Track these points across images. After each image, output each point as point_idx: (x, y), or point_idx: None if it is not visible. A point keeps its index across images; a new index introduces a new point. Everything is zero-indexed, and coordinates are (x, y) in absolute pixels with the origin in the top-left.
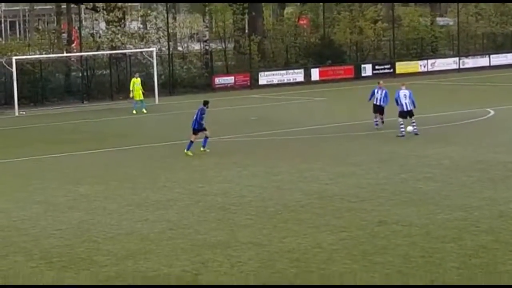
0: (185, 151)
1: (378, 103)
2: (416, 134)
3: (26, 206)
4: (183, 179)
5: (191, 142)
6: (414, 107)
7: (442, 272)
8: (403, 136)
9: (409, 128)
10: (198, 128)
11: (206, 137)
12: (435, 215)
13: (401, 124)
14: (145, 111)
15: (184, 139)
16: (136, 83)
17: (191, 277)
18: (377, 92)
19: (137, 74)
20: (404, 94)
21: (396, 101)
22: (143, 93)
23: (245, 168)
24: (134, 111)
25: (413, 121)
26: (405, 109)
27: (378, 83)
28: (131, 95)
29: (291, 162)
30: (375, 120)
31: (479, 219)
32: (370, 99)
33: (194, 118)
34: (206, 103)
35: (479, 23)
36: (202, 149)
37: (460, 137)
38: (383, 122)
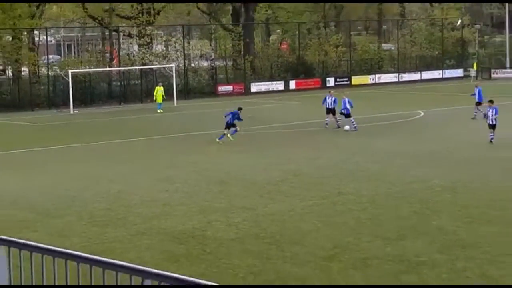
0: (217, 140)
1: (329, 107)
2: (356, 130)
3: (78, 180)
4: (194, 161)
5: (224, 134)
6: (351, 106)
7: (384, 230)
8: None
9: (347, 127)
10: (229, 123)
11: (236, 130)
12: (380, 188)
13: (352, 121)
14: (161, 111)
15: (196, 131)
16: (159, 90)
17: (200, 232)
18: (329, 98)
19: (160, 83)
20: (345, 100)
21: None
22: (163, 98)
23: (241, 154)
24: (159, 111)
25: (353, 120)
26: (343, 112)
27: (329, 91)
28: (154, 99)
29: (275, 149)
30: (326, 119)
31: (411, 191)
32: (323, 103)
33: (230, 117)
34: (240, 108)
35: (413, 48)
36: (230, 138)
37: (397, 132)
38: (337, 121)
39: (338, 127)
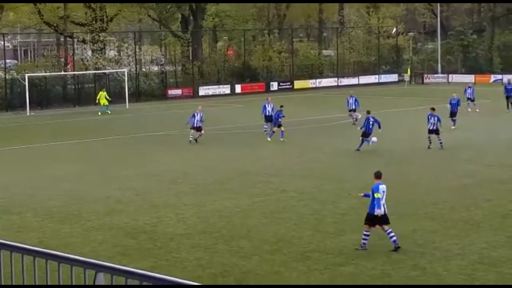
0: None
1: (268, 114)
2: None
3: (35, 178)
4: (146, 160)
5: (273, 132)
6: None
7: (324, 225)
8: (266, 132)
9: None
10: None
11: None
12: (321, 186)
13: (266, 127)
14: (109, 112)
15: (147, 132)
16: (102, 95)
17: (150, 227)
18: (268, 105)
19: (104, 89)
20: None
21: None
22: (108, 101)
23: (189, 153)
24: (100, 113)
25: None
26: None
27: (267, 99)
28: (97, 102)
29: (222, 150)
30: (265, 127)
31: (350, 189)
32: (263, 112)
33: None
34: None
35: (351, 54)
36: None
37: (337, 133)
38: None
39: (265, 131)
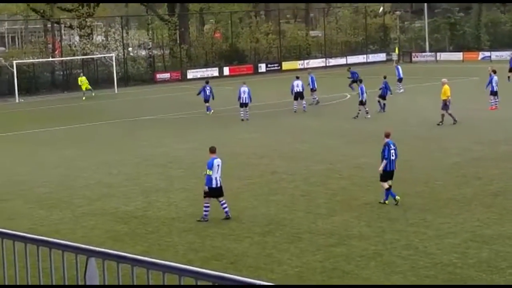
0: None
1: (243, 101)
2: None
3: (24, 165)
4: (135, 145)
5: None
6: (250, 101)
7: (315, 206)
8: (242, 120)
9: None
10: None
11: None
12: (310, 166)
13: (241, 112)
14: (93, 95)
15: (136, 116)
16: (82, 80)
17: (142, 212)
18: (243, 92)
19: (81, 74)
20: (243, 90)
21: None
22: (89, 84)
23: (178, 138)
24: (84, 98)
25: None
26: (242, 102)
27: (243, 83)
28: (80, 88)
29: (210, 132)
30: (241, 112)
31: (340, 169)
32: (239, 98)
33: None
34: (361, 81)
35: (339, 34)
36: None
37: (325, 114)
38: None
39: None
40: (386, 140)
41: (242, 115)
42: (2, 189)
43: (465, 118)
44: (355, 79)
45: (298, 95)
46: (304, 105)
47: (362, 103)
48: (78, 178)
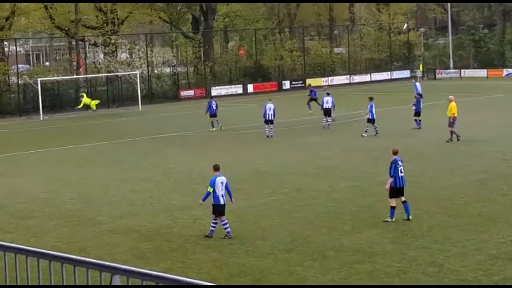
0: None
1: (268, 118)
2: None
3: (49, 182)
4: (159, 162)
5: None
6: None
7: (340, 223)
8: (267, 137)
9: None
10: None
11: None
12: (335, 184)
13: (266, 128)
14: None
15: (160, 134)
16: (84, 96)
17: (166, 229)
18: (269, 108)
19: (83, 93)
20: (269, 107)
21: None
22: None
23: (202, 154)
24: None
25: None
26: (268, 118)
27: (269, 99)
28: (81, 106)
29: (235, 149)
30: (265, 129)
31: (364, 186)
32: (264, 115)
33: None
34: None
35: (363, 51)
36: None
37: (350, 130)
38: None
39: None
40: (394, 157)
41: (267, 131)
42: (27, 206)
43: (489, 135)
44: (313, 98)
45: (327, 112)
46: (329, 122)
47: (369, 121)
48: (102, 195)
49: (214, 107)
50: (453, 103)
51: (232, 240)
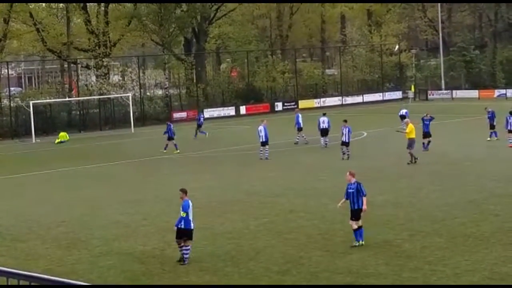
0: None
1: (263, 140)
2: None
3: (42, 205)
4: (151, 183)
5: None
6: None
7: (333, 245)
8: (265, 159)
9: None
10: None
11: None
12: (327, 205)
13: (261, 150)
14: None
15: (152, 155)
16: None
17: (159, 251)
18: (260, 130)
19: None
20: (260, 129)
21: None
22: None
23: (196, 175)
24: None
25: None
26: (263, 140)
27: (262, 121)
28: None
29: (228, 170)
30: (260, 151)
31: None
32: (259, 137)
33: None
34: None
35: (355, 72)
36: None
37: (339, 151)
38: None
39: (261, 155)
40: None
41: (261, 154)
42: (19, 229)
43: (481, 155)
44: (199, 125)
45: (324, 132)
46: (327, 141)
47: (343, 143)
48: (95, 217)
49: (172, 130)
50: (410, 125)
51: (226, 262)
